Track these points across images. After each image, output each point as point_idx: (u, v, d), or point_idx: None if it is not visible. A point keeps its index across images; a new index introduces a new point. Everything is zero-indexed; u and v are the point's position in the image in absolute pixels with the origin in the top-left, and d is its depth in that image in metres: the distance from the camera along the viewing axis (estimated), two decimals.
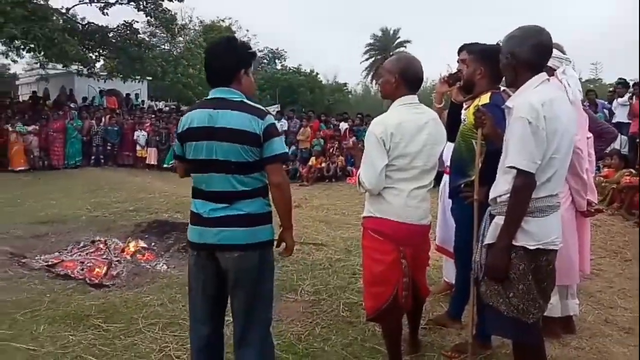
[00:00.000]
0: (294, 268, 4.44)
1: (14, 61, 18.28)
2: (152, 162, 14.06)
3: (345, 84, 34.79)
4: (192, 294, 2.27)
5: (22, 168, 12.55)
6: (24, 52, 15.66)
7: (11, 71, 29.88)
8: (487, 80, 2.76)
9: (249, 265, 2.14)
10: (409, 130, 2.41)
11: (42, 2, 13.32)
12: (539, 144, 1.99)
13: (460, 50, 3.17)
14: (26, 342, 2.99)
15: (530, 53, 2.11)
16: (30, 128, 12.94)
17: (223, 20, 30.51)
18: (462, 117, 2.92)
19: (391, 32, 41.01)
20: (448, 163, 3.26)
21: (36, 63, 18.93)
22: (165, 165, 13.79)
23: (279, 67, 34.77)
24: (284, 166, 2.26)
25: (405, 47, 39.25)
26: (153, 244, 5.28)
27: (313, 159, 12.23)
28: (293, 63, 31.97)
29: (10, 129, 12.63)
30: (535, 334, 2.19)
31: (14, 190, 9.33)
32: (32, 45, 12.89)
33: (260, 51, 36.30)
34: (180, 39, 21.45)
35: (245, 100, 2.15)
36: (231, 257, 2.12)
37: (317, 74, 32.39)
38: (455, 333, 3.14)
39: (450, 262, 3.58)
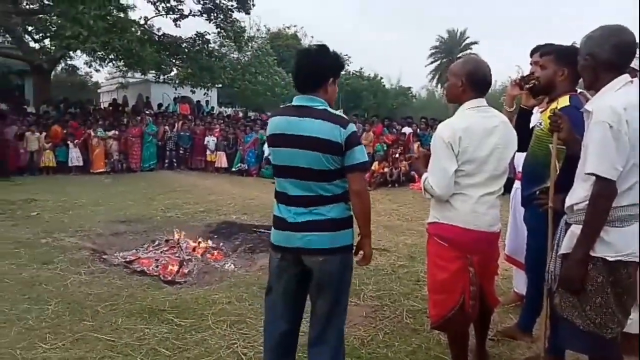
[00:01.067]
0: (356, 272, 4.38)
1: (97, 70, 19.74)
2: (221, 166, 14.61)
3: (409, 88, 34.31)
4: (272, 294, 2.34)
5: (102, 170, 13.47)
6: (106, 62, 16.82)
7: (94, 80, 32.28)
8: (569, 82, 2.64)
9: (333, 268, 2.19)
10: (477, 134, 2.35)
11: (121, 15, 14.23)
12: (620, 149, 1.88)
13: (533, 52, 3.05)
14: (106, 333, 3.21)
15: (611, 53, 1.99)
16: (110, 133, 13.86)
17: (288, 28, 31.14)
18: (537, 120, 2.80)
19: (458, 33, 40.02)
20: (519, 169, 3.13)
21: (116, 72, 20.27)
22: (233, 169, 14.29)
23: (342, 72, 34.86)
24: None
25: (471, 48, 38.13)
26: (221, 244, 5.49)
27: (376, 163, 12.16)
28: (356, 67, 31.88)
29: (92, 133, 13.61)
30: (613, 350, 2.06)
31: (95, 191, 10.03)
32: (112, 56, 13.79)
33: None
34: (249, 48, 22.15)
35: (328, 109, 2.18)
36: (316, 261, 2.17)
37: (381, 78, 32.22)
38: (525, 346, 3.02)
39: (520, 272, 3.44)
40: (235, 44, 18.82)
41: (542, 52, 2.83)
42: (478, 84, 2.44)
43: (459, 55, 28.99)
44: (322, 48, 2.25)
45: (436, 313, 2.51)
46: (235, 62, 20.90)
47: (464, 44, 39.35)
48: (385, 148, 12.91)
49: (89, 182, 11.69)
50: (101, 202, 8.57)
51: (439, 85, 39.65)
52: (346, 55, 36.30)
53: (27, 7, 14.81)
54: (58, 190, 9.93)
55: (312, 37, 32.42)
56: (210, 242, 5.40)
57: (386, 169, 11.97)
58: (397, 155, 12.29)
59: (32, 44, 16.04)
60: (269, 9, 48.99)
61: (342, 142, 2.10)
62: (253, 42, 20.90)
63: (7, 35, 15.69)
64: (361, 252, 2.34)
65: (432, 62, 41.18)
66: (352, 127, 2.14)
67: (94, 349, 2.97)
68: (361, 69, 31.23)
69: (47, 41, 15.30)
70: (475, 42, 39.29)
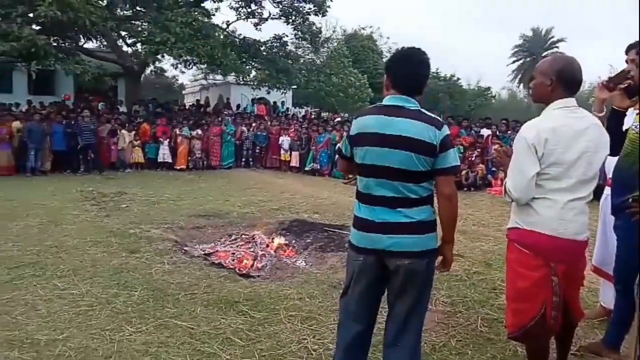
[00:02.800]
0: None
1: (182, 72, 20.91)
2: (295, 165, 14.92)
3: (488, 88, 32.99)
4: (349, 293, 2.28)
5: (185, 167, 14.27)
6: (190, 66, 17.77)
7: (180, 82, 34.31)
8: None
9: (418, 272, 2.14)
10: (565, 135, 2.21)
11: (205, 20, 14.97)
12: None
13: (629, 49, 2.82)
14: (186, 320, 3.39)
15: None
16: (193, 132, 14.65)
17: (364, 29, 31.09)
18: (632, 122, 2.59)
19: (543, 31, 37.88)
20: (610, 174, 2.91)
21: (199, 74, 21.37)
22: (306, 169, 14.54)
23: None
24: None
25: (557, 47, 35.94)
26: (293, 241, 5.60)
27: None
28: (432, 68, 31.19)
29: (177, 132, 14.46)
30: None
31: (179, 186, 10.65)
32: (195, 60, 14.55)
33: None
34: (324, 49, 22.44)
35: (422, 109, 2.14)
36: (402, 264, 2.12)
37: (458, 78, 31.27)
38: None
39: (608, 285, 3.20)
40: (311, 45, 19.15)
41: None
42: (568, 83, 2.29)
43: (544, 54, 27.43)
44: (423, 51, 2.22)
45: (515, 323, 2.39)
46: (310, 63, 21.24)
47: (549, 42, 37.17)
48: (462, 150, 12.50)
49: (173, 178, 12.41)
50: (183, 197, 9.06)
51: (521, 85, 37.77)
52: None
53: (121, 13, 16.01)
54: (145, 184, 10.66)
55: (388, 38, 32.21)
56: (283, 239, 5.53)
57: (462, 172, 11.59)
58: (473, 158, 11.86)
59: (124, 48, 17.31)
60: (345, 10, 49.11)
61: (437, 144, 2.06)
62: (329, 43, 21.11)
63: (103, 40, 17.04)
64: (441, 257, 2.28)
65: (514, 62, 39.34)
66: (446, 130, 2.10)
67: (174, 335, 3.15)
68: (437, 69, 30.49)
69: (138, 46, 16.48)
70: (562, 40, 36.98)
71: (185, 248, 5.35)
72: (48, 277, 4.18)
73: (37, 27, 12.16)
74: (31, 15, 12.03)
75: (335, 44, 25.71)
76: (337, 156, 2.31)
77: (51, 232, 5.84)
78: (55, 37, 13.06)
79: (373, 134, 2.11)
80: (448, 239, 2.25)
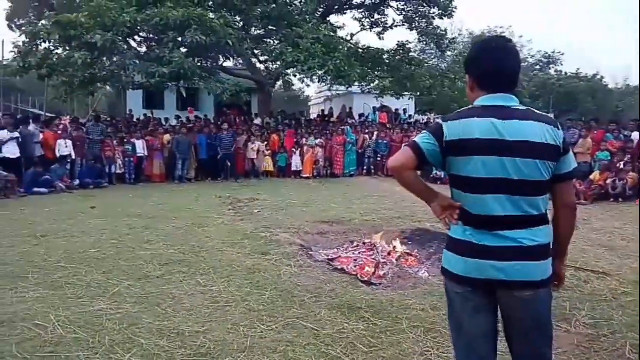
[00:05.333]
0: (566, 295, 3.98)
1: (307, 85, 21.86)
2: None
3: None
4: (463, 336, 1.92)
5: (309, 175, 14.89)
6: (318, 80, 18.52)
7: (305, 94, 35.95)
8: None
9: (541, 304, 1.83)
10: None
11: (331, 34, 15.51)
12: None
13: None
14: (311, 321, 3.54)
15: None
16: (317, 141, 15.24)
17: (494, 29, 29.55)
18: None
19: None
20: None
21: (323, 86, 22.14)
22: (430, 176, 14.22)
23: (552, 72, 31.61)
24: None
25: None
26: (415, 250, 5.52)
27: (596, 173, 10.65)
28: (571, 66, 28.55)
29: (304, 142, 15.16)
30: None
31: (304, 193, 11.15)
32: (320, 73, 15.12)
33: (531, 56, 33.80)
34: (449, 52, 21.80)
35: (531, 108, 1.86)
36: (520, 297, 1.78)
37: (602, 77, 28.11)
38: None
39: None
40: (437, 48, 18.73)
41: None
42: None
43: None
44: (508, 38, 1.98)
45: None
46: (434, 68, 20.77)
47: None
48: (608, 156, 11.21)
49: (299, 185, 13.03)
50: (308, 203, 9.48)
51: None
52: (558, 52, 32.80)
53: (255, 32, 17.29)
54: (274, 191, 11.35)
55: (521, 36, 30.22)
56: (404, 248, 5.49)
57: (608, 180, 10.38)
58: (622, 165, 10.55)
59: (257, 65, 18.64)
60: (470, 12, 47.11)
61: (560, 145, 1.78)
62: (454, 45, 20.42)
63: (239, 58, 18.55)
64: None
65: None
66: (560, 127, 1.83)
67: (301, 335, 3.31)
68: (578, 69, 27.79)
69: (270, 64, 17.66)
70: None
71: (310, 252, 5.58)
72: (192, 274, 4.67)
73: (184, 50, 13.69)
74: (179, 39, 13.59)
75: (461, 47, 24.81)
76: (407, 148, 1.87)
77: (194, 233, 6.51)
78: (199, 58, 14.55)
79: (483, 140, 1.75)
80: (564, 253, 1.95)
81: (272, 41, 16.56)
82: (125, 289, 4.20)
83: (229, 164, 13.95)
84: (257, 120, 17.36)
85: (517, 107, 1.82)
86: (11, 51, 14.10)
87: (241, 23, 16.32)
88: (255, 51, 17.22)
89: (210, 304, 3.90)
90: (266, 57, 17.10)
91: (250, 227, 6.92)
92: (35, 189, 10.36)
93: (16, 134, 10.94)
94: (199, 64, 14.18)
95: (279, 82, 20.89)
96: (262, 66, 18.82)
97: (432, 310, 3.75)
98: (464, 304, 1.88)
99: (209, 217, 7.81)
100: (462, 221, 1.86)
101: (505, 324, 1.89)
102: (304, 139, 15.29)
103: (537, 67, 33.41)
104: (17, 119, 12.65)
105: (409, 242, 5.84)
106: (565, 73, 28.65)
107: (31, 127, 11.81)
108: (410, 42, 18.31)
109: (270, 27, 16.30)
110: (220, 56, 16.67)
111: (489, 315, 1.87)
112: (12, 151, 10.81)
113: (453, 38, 19.94)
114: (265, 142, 14.96)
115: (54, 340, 3.15)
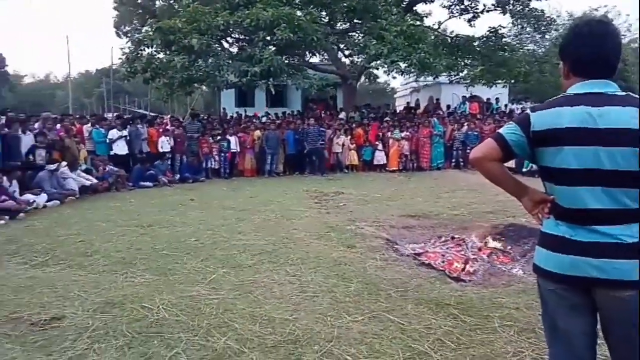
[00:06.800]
0: None
1: (394, 77, 21.55)
2: (510, 166, 13.88)
3: None
4: (560, 336, 1.83)
5: (395, 168, 14.70)
6: (402, 74, 18.23)
7: (391, 86, 35.51)
8: None
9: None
10: None
11: (417, 24, 15.13)
12: None
13: None
14: (397, 316, 3.52)
15: None
16: (403, 134, 14.99)
17: (596, 10, 27.08)
18: None
19: None
20: None
21: (410, 77, 21.71)
22: (524, 170, 13.40)
23: None
24: None
25: None
26: (509, 247, 5.26)
27: None
28: None
29: (389, 135, 15.01)
30: None
31: (390, 187, 11.07)
32: (405, 65, 14.81)
33: None
34: (547, 36, 20.31)
35: (631, 94, 1.71)
36: (619, 297, 1.66)
37: None
38: None
39: None
40: (535, 31, 17.57)
41: None
42: None
43: None
44: (609, 22, 1.83)
45: None
46: (531, 54, 19.46)
47: None
48: None
49: (385, 179, 12.96)
50: (394, 197, 9.40)
51: None
52: None
53: (340, 27, 17.39)
54: (360, 185, 11.39)
55: (628, 15, 27.38)
56: (497, 244, 5.25)
57: None
58: None
59: (342, 59, 18.73)
60: None
61: None
62: (554, 26, 18.92)
63: (324, 54, 18.77)
64: None
65: None
66: None
67: (387, 329, 3.30)
68: None
69: (355, 57, 17.66)
70: None
71: (396, 246, 5.53)
72: (281, 264, 4.84)
73: (274, 49, 14.15)
74: (268, 38, 14.07)
75: (561, 30, 23.00)
76: (490, 139, 1.81)
77: (283, 225, 6.73)
78: (287, 56, 14.96)
79: (576, 129, 1.67)
80: None
81: (357, 34, 16.55)
82: (221, 276, 4.47)
83: (314, 158, 14.21)
84: (342, 115, 17.47)
85: (615, 93, 1.70)
86: (119, 58, 15.56)
87: (327, 18, 16.48)
88: (340, 45, 17.32)
89: (299, 293, 4.02)
90: (350, 51, 17.12)
91: (336, 220, 7.02)
92: (142, 183, 11.33)
93: (125, 133, 12.10)
94: (286, 61, 14.58)
95: (364, 76, 20.84)
96: (347, 60, 18.89)
97: (527, 309, 3.56)
98: (559, 301, 1.79)
99: (297, 210, 8.03)
100: (555, 215, 1.78)
101: (604, 326, 1.77)
102: (389, 133, 15.12)
103: None
104: (125, 119, 13.94)
105: (502, 239, 5.57)
106: None
107: (138, 126, 12.94)
108: (503, 27, 17.34)
109: (355, 20, 16.28)
110: (307, 52, 16.99)
111: (587, 315, 1.77)
112: (121, 149, 11.99)
113: (552, 19, 18.48)
114: (350, 136, 15.02)
115: (158, 322, 3.44)
